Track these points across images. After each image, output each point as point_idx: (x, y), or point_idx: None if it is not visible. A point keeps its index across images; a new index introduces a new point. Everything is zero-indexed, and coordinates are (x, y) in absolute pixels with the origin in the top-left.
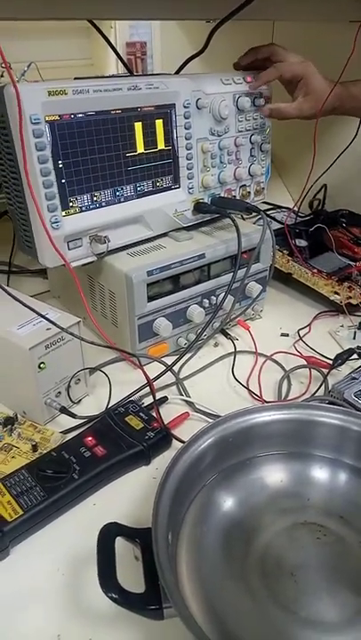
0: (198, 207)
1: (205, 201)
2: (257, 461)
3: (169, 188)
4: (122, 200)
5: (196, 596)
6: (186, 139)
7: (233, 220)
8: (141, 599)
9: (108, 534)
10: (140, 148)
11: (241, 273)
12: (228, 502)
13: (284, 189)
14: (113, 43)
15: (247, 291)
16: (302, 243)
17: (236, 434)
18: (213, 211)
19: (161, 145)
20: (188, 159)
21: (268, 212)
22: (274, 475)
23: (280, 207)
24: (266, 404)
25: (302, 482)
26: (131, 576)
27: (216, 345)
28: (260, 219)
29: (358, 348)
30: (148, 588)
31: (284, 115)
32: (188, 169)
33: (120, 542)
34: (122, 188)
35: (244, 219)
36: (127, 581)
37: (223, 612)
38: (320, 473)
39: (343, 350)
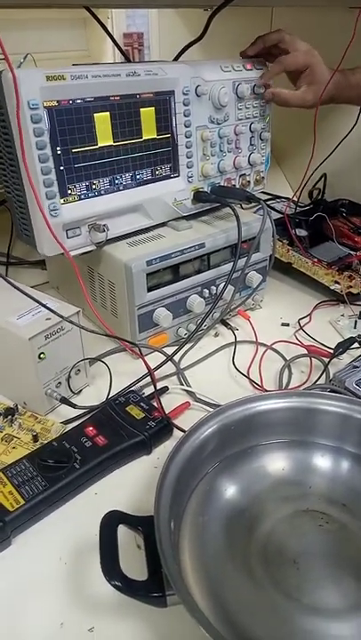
0: (198, 196)
1: (205, 190)
2: (259, 450)
3: (168, 177)
4: (121, 188)
5: (198, 583)
6: (185, 126)
7: (233, 210)
8: (144, 586)
9: (111, 522)
10: (139, 136)
11: (241, 263)
12: (230, 490)
13: (284, 180)
14: (110, 32)
15: (247, 280)
16: (302, 232)
17: (238, 422)
18: (213, 200)
19: (160, 133)
20: (187, 147)
21: (267, 202)
22: (276, 463)
23: (280, 197)
24: (267, 393)
25: (304, 470)
26: (134, 564)
27: (216, 335)
28: (259, 208)
29: (359, 336)
30: (151, 576)
31: (287, 102)
32: (187, 157)
33: (122, 532)
34: (121, 176)
35: (243, 208)
36: (130, 570)
37: (226, 600)
38: (322, 461)
39: (344, 339)
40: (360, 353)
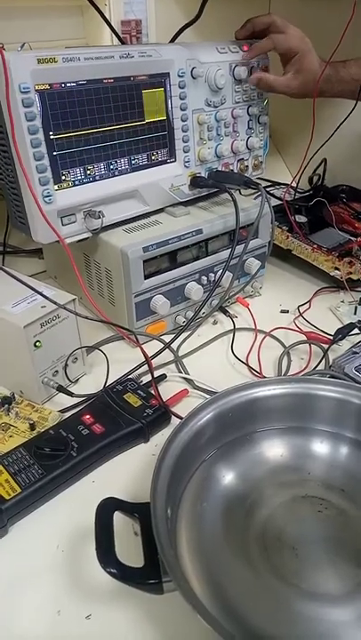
0: (195, 181)
1: (202, 175)
2: (257, 436)
3: (165, 162)
4: (116, 174)
5: (196, 570)
6: (181, 109)
7: (231, 195)
8: (140, 573)
9: (107, 508)
10: (134, 120)
11: (239, 249)
12: (228, 477)
13: (284, 166)
14: (108, 20)
15: (246, 267)
16: (302, 219)
17: (236, 408)
18: (211, 185)
19: (156, 116)
20: (183, 131)
21: (267, 189)
22: (274, 449)
23: (279, 184)
24: (265, 379)
25: (303, 456)
26: (131, 552)
27: (215, 323)
28: (259, 195)
29: (359, 322)
30: (148, 563)
31: (271, 87)
32: (183, 141)
33: (120, 519)
34: (116, 162)
35: (242, 194)
36: (128, 557)
37: (224, 586)
38: (321, 447)
39: (344, 325)
40: (360, 339)
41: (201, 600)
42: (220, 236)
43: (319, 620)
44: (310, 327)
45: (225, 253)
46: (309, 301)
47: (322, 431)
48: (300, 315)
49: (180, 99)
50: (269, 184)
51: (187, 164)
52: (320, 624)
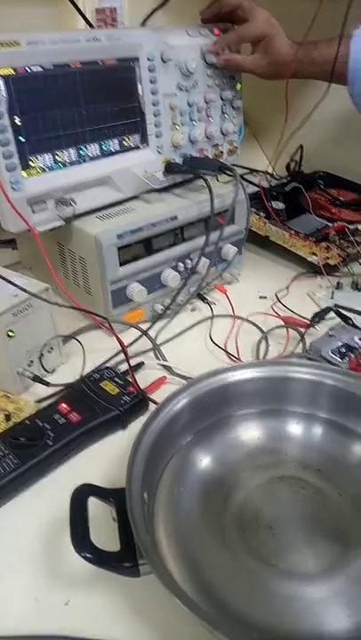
0: (169, 168)
1: (177, 161)
2: (233, 420)
3: (137, 148)
4: (87, 160)
5: (173, 552)
6: (152, 94)
7: (205, 181)
8: (116, 557)
9: (81, 494)
10: (104, 104)
11: (216, 236)
12: (205, 461)
13: (261, 153)
14: (82, 9)
15: (223, 254)
16: (279, 205)
17: (211, 393)
18: (185, 171)
19: (126, 101)
20: (155, 116)
21: (244, 176)
22: (250, 432)
23: (257, 171)
24: (239, 363)
25: (279, 438)
26: (110, 538)
27: (193, 310)
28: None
29: (336, 306)
30: (124, 547)
31: (240, 66)
32: (155, 126)
33: (97, 506)
34: (86, 147)
35: (219, 180)
36: (106, 543)
37: (202, 568)
38: (296, 428)
39: (321, 309)
40: (336, 322)
41: (178, 582)
42: (195, 222)
43: (297, 598)
44: (288, 312)
45: (201, 240)
46: (287, 287)
47: (297, 413)
48: (278, 300)
49: (151, 82)
50: (247, 171)
51: (160, 150)
52: (298, 602)
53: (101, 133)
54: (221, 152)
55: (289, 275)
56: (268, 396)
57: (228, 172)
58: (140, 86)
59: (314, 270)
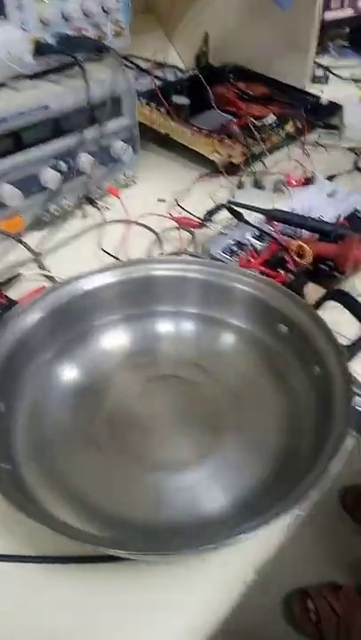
0: (39, 49)
1: (49, 42)
2: (96, 329)
3: None
4: None
5: (35, 463)
6: None
7: (79, 63)
8: None
9: None
10: None
11: (100, 130)
12: (72, 373)
13: (170, 46)
14: None
15: (114, 152)
16: (182, 100)
17: (72, 302)
18: (57, 51)
19: None
20: None
21: (149, 70)
22: (120, 339)
23: (163, 64)
24: (94, 269)
25: (152, 339)
26: None
27: (85, 216)
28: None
29: (228, 202)
30: None
31: None
32: None
33: None
34: None
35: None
36: None
37: (68, 475)
38: (167, 327)
39: (213, 207)
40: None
41: (35, 491)
42: (74, 113)
43: (176, 487)
44: (186, 215)
45: (83, 135)
46: (188, 189)
47: (165, 312)
48: (177, 203)
49: None
50: (147, 63)
51: (24, 26)
52: (174, 492)
53: None
54: (105, 33)
55: (191, 176)
56: (134, 298)
57: (105, 53)
58: None
59: (217, 170)
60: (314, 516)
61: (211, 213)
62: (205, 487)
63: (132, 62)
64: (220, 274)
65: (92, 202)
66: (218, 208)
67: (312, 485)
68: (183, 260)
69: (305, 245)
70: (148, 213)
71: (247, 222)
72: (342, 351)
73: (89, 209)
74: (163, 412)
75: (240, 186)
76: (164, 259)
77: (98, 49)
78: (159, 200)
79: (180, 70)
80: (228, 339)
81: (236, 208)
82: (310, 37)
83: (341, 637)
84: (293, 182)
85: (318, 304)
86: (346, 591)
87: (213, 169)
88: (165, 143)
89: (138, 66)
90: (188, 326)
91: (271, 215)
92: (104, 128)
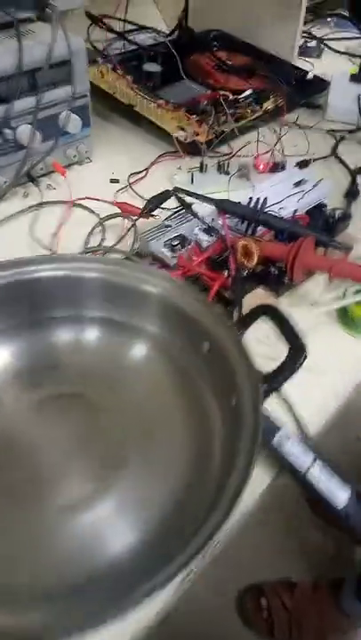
0: None
1: None
2: None
3: None
4: None
5: None
6: None
7: (14, 21)
8: None
9: None
10: None
11: (43, 98)
12: None
13: (155, 11)
14: None
15: (63, 124)
16: (154, 67)
17: None
18: None
19: None
20: None
21: (129, 34)
22: (2, 354)
23: (144, 27)
24: None
25: (45, 352)
26: None
27: (26, 195)
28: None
29: (175, 189)
30: None
31: None
32: None
33: None
34: None
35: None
36: None
37: None
38: (66, 335)
39: (157, 193)
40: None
41: None
42: (12, 78)
43: (70, 535)
44: (138, 199)
45: (24, 102)
46: (147, 169)
47: (62, 318)
48: (130, 185)
49: None
50: (135, 28)
51: None
52: (82, 529)
53: None
54: None
55: (154, 154)
56: (21, 305)
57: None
58: None
59: (181, 149)
60: (272, 511)
61: (153, 201)
62: (113, 519)
63: (103, 23)
64: (125, 273)
65: (31, 179)
66: (163, 196)
67: (215, 529)
68: (81, 259)
69: (250, 244)
70: (93, 197)
71: (193, 213)
72: (257, 384)
73: (32, 188)
74: (56, 440)
75: (203, 169)
76: (53, 258)
77: (38, 5)
78: (112, 181)
79: (158, 33)
80: (139, 348)
81: (181, 196)
82: (300, 3)
83: (293, 632)
84: (260, 167)
85: (247, 320)
86: (301, 588)
87: (179, 147)
88: (131, 116)
89: (110, 28)
90: (93, 334)
91: (220, 206)
92: (45, 96)
